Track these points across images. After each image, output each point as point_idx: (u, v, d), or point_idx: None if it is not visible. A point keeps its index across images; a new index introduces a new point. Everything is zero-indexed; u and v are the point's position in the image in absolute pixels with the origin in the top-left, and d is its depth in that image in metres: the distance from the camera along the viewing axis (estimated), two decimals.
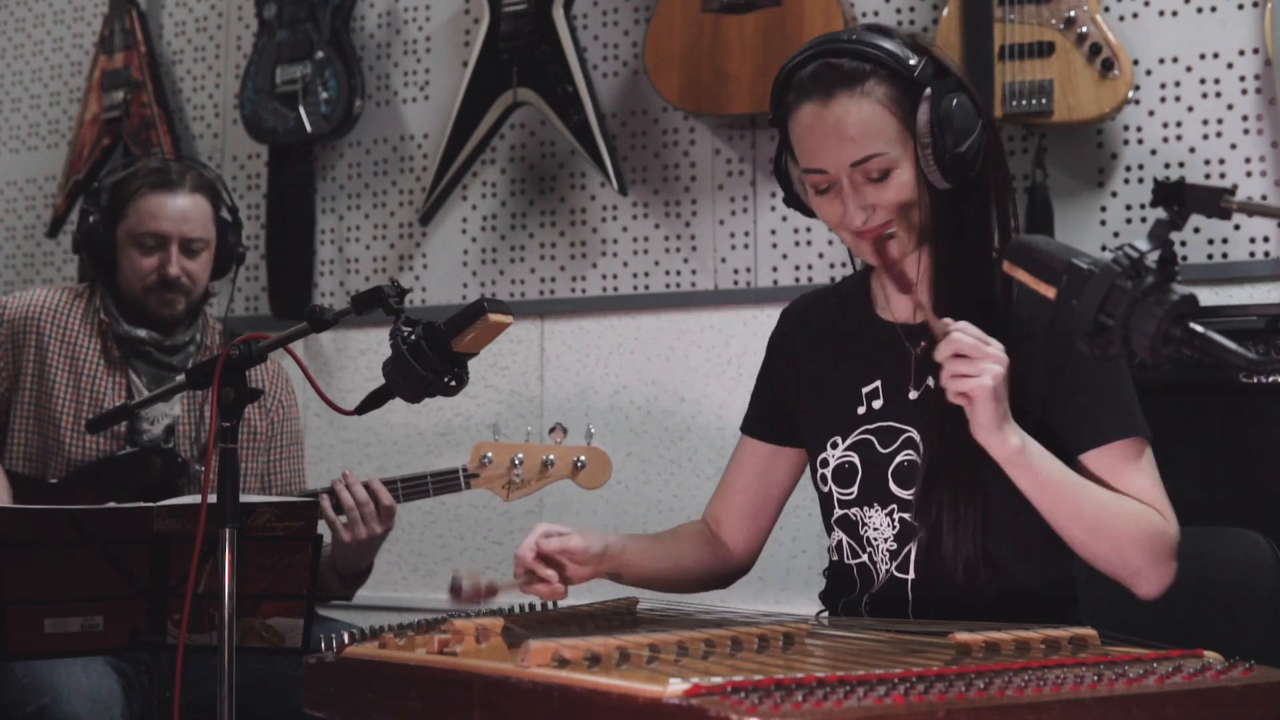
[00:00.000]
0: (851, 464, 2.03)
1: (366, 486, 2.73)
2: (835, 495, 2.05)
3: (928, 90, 1.92)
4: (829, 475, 2.06)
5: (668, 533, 2.26)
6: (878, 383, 2.04)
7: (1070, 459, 1.92)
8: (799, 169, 2.00)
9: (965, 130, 1.93)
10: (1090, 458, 1.92)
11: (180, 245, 2.90)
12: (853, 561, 2.05)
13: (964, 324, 1.76)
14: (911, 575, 1.98)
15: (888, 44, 1.95)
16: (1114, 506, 1.87)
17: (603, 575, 2.03)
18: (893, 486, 1.99)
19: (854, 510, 2.04)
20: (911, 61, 1.93)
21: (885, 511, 2.00)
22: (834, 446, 2.06)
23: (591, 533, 2.00)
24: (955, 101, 1.93)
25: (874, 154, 1.93)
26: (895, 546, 2.00)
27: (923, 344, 2.02)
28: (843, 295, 2.17)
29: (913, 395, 2.01)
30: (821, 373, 2.12)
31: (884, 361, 2.05)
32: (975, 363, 1.73)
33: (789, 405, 2.16)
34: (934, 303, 1.99)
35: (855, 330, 2.10)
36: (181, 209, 2.91)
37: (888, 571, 2.00)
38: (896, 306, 2.07)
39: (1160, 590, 1.89)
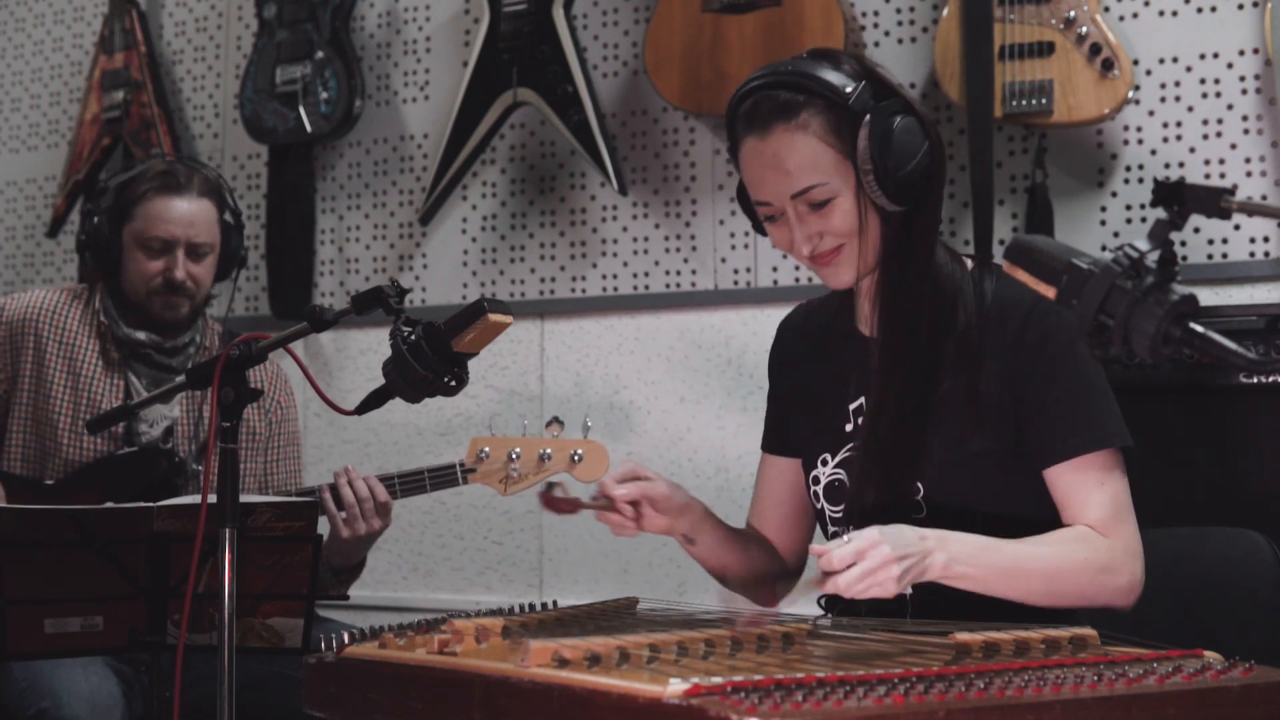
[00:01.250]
0: (841, 481, 2.04)
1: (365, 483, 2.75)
2: (827, 513, 2.07)
3: (866, 117, 1.93)
4: (820, 493, 2.07)
5: (739, 528, 2.25)
6: (861, 400, 2.05)
7: (1034, 476, 1.93)
8: (752, 201, 2.03)
9: (908, 152, 1.94)
10: (1052, 474, 1.93)
11: (186, 249, 2.90)
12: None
13: (831, 549, 1.71)
14: (909, 590, 1.98)
15: (826, 73, 1.95)
16: (1060, 567, 1.87)
17: (678, 533, 2.05)
18: None
19: (845, 530, 2.04)
20: (848, 89, 1.94)
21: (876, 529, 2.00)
22: (824, 463, 2.07)
23: (678, 487, 2.03)
24: (897, 123, 1.94)
25: (812, 185, 1.95)
26: None
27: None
28: (831, 310, 2.18)
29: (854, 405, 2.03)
30: (812, 388, 2.14)
31: (866, 376, 2.06)
32: (867, 582, 1.70)
33: (790, 419, 2.17)
34: (882, 322, 2.01)
35: (841, 345, 2.12)
36: (189, 213, 2.90)
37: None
38: (870, 319, 2.08)
39: (1133, 600, 1.90)
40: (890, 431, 1.95)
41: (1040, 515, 1.94)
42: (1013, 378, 1.94)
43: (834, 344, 2.13)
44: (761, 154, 1.97)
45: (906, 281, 1.99)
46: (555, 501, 1.98)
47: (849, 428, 2.05)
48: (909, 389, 1.97)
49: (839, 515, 2.04)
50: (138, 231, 2.90)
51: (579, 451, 2.85)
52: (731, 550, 2.14)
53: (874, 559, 1.70)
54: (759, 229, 2.10)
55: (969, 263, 2.06)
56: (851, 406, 2.06)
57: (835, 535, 2.06)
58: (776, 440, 2.22)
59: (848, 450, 2.04)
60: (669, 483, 2.02)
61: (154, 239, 2.89)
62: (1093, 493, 1.91)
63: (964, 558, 1.81)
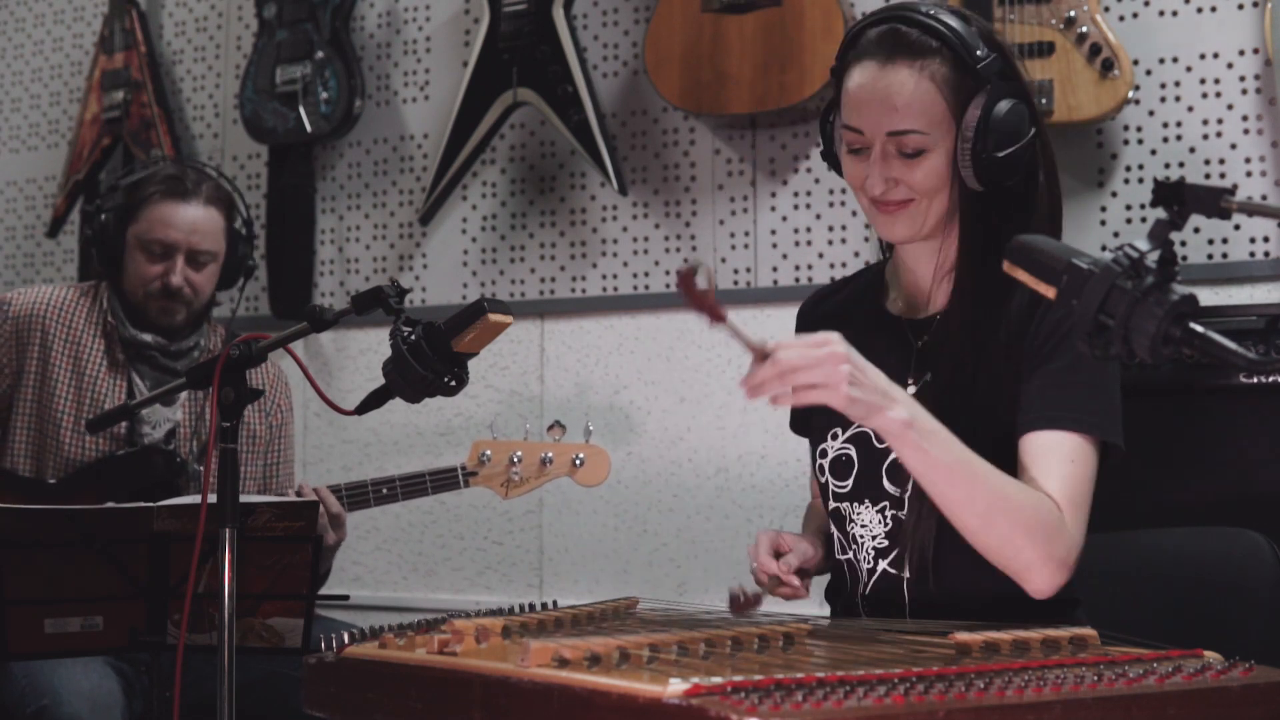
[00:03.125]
0: (848, 457, 2.03)
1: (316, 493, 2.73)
2: (831, 487, 2.05)
3: (987, 86, 1.91)
4: (826, 466, 2.06)
5: (815, 522, 2.21)
6: None
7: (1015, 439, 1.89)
8: (841, 122, 1.99)
9: (1011, 137, 1.92)
10: (1025, 440, 1.88)
11: (187, 256, 2.90)
12: (842, 558, 2.05)
13: (785, 341, 1.66)
14: (907, 574, 1.97)
15: (961, 28, 1.93)
16: (1011, 495, 1.79)
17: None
18: (886, 483, 1.98)
19: (845, 505, 2.03)
20: (979, 53, 1.91)
21: (877, 509, 1.99)
22: (834, 438, 2.05)
23: (801, 539, 2.02)
24: (1010, 106, 1.91)
25: (912, 130, 1.91)
26: (886, 544, 1.99)
27: (925, 338, 2.02)
28: (856, 287, 2.17)
29: (910, 389, 2.00)
30: None
31: (887, 355, 2.02)
32: (813, 370, 1.63)
33: None
34: (952, 297, 1.98)
35: (863, 323, 2.09)
36: (192, 220, 2.90)
37: (872, 570, 2.00)
38: (905, 301, 2.07)
39: (1051, 589, 1.81)
40: (947, 419, 1.91)
41: None
42: (1029, 354, 1.91)
43: (857, 322, 2.09)
44: (876, 81, 1.92)
45: (984, 266, 1.94)
46: (743, 605, 1.90)
47: None
48: (962, 369, 1.94)
49: (843, 490, 2.03)
50: (140, 233, 2.90)
51: (580, 455, 2.85)
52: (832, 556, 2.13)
53: (830, 350, 1.64)
54: (827, 156, 2.05)
55: None
56: None
57: (833, 512, 2.05)
58: (799, 422, 2.21)
59: (859, 426, 2.02)
60: (800, 538, 2.01)
61: (155, 242, 2.89)
62: (1058, 467, 1.85)
63: (928, 430, 1.74)
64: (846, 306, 2.15)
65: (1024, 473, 1.87)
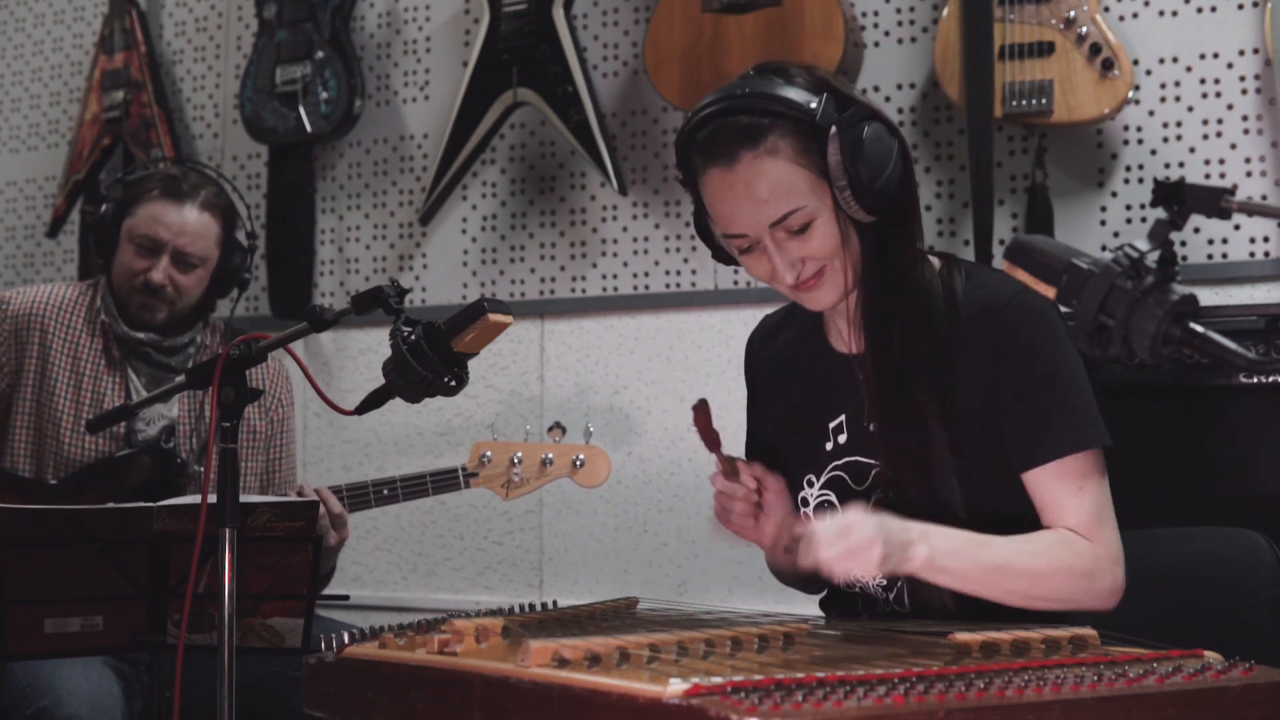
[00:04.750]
0: (830, 502, 2.01)
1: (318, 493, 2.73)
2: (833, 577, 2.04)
3: (833, 130, 1.85)
4: (811, 514, 2.03)
5: None
6: (842, 416, 2.01)
7: (1014, 476, 1.91)
8: (720, 232, 1.95)
9: (881, 160, 1.87)
10: (1030, 477, 1.90)
11: (173, 256, 2.90)
12: (846, 589, 2.05)
13: (822, 527, 1.74)
14: (908, 608, 1.97)
15: (784, 90, 1.87)
16: (1042, 569, 1.85)
17: (782, 543, 2.01)
18: None
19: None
20: (811, 105, 1.86)
21: None
22: (810, 485, 2.04)
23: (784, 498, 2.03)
24: (865, 132, 1.86)
25: (790, 210, 1.87)
26: (885, 581, 1.98)
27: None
28: (800, 324, 2.12)
29: (871, 428, 1.98)
30: (792, 405, 2.09)
31: (844, 394, 2.01)
32: (851, 560, 1.73)
33: (771, 436, 2.15)
34: (870, 339, 1.95)
35: (811, 364, 2.07)
36: (183, 222, 2.90)
37: (885, 600, 2.00)
38: (847, 338, 2.03)
39: (1113, 604, 1.88)
40: (902, 445, 1.92)
41: (1027, 513, 1.91)
42: (991, 380, 1.89)
43: (807, 363, 2.08)
44: (731, 185, 1.87)
45: (889, 294, 1.93)
46: (704, 422, 1.94)
47: (829, 446, 2.01)
48: (907, 402, 1.91)
49: (844, 580, 2.02)
50: (131, 227, 2.91)
51: (581, 456, 2.85)
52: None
53: (858, 536, 1.72)
54: (721, 258, 2.01)
55: (935, 261, 1.99)
56: (831, 424, 2.02)
57: None
58: (756, 452, 2.17)
59: (831, 470, 2.01)
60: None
61: (143, 237, 2.89)
62: (1072, 496, 1.88)
63: (947, 553, 1.79)
64: (793, 347, 2.12)
65: (1042, 513, 1.90)
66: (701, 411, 1.92)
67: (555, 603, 1.96)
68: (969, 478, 1.91)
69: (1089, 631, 1.64)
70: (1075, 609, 1.87)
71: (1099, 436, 1.89)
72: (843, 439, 2.01)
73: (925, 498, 1.89)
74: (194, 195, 2.92)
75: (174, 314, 2.93)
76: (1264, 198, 3.06)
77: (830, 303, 1.96)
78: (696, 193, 1.95)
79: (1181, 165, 3.14)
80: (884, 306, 1.94)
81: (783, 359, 2.13)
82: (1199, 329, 1.34)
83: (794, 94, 1.87)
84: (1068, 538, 1.87)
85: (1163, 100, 3.16)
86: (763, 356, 2.17)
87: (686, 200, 3.59)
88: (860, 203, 1.87)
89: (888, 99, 3.39)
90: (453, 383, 2.00)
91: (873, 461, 1.97)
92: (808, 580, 2.11)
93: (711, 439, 1.96)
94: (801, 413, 2.07)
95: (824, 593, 2.14)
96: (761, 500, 2.00)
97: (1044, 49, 3.04)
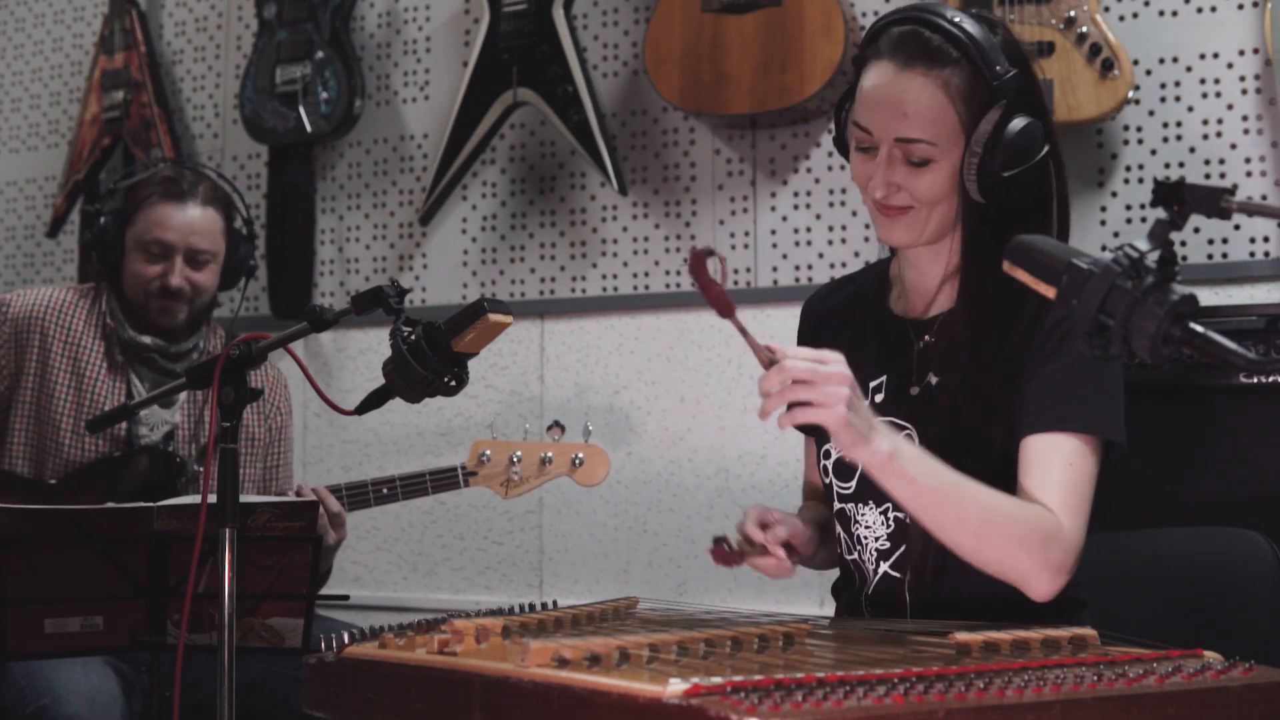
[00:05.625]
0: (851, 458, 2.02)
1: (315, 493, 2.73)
2: (835, 488, 2.04)
3: (1002, 102, 1.88)
4: (830, 467, 2.05)
5: (810, 512, 2.17)
6: (884, 377, 2.02)
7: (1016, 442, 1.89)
8: (853, 117, 1.97)
9: (1022, 156, 1.89)
10: (1025, 443, 1.88)
11: (185, 256, 2.91)
12: (849, 558, 2.05)
13: (795, 350, 1.69)
14: (907, 576, 1.97)
15: (986, 39, 1.89)
16: (1001, 509, 1.80)
17: (803, 559, 1.99)
18: None
19: (849, 506, 2.03)
20: (999, 67, 1.88)
21: (880, 510, 1.99)
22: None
23: (792, 516, 1.99)
24: (1023, 125, 1.88)
25: (920, 139, 1.89)
26: (888, 546, 1.99)
27: (927, 338, 2.01)
28: (860, 285, 2.15)
29: (914, 391, 1.99)
30: None
31: (891, 356, 2.02)
32: (816, 388, 1.64)
33: None
34: (958, 302, 1.96)
35: (867, 322, 2.09)
36: (189, 220, 2.91)
37: (878, 571, 2.00)
38: (908, 301, 2.06)
39: (1052, 593, 1.82)
40: (956, 418, 1.90)
41: None
42: (1027, 353, 1.90)
43: (859, 321, 2.09)
44: (891, 83, 1.89)
45: (992, 273, 1.91)
46: (725, 556, 1.90)
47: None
48: (965, 372, 1.92)
49: (847, 492, 2.02)
50: (138, 235, 2.90)
51: (580, 455, 2.85)
52: (828, 548, 2.11)
53: (832, 369, 1.66)
54: (838, 143, 2.03)
55: None
56: (872, 384, 2.02)
57: (838, 513, 2.05)
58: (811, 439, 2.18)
59: None
60: (791, 515, 1.98)
61: (153, 243, 2.89)
62: (1056, 470, 1.85)
63: (910, 457, 1.75)
64: (849, 305, 2.14)
65: (1023, 476, 1.87)
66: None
67: (555, 603, 1.96)
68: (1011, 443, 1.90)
69: (1089, 631, 1.64)
70: (1019, 572, 1.81)
71: (1109, 429, 1.89)
72: (880, 399, 2.01)
73: (970, 458, 1.85)
74: (194, 193, 2.92)
75: (193, 311, 2.95)
76: (1264, 198, 3.06)
77: (899, 240, 1.97)
78: (857, 76, 1.96)
79: (1181, 165, 3.14)
80: (979, 281, 1.93)
81: (835, 316, 2.14)
82: (1199, 329, 1.34)
83: (994, 52, 1.89)
84: (1035, 505, 1.83)
85: (1163, 100, 3.16)
86: (818, 313, 2.18)
87: (687, 200, 3.59)
88: (980, 178, 1.89)
89: None
90: (453, 383, 2.00)
91: (905, 423, 1.96)
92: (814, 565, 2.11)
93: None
94: None
95: (831, 567, 2.14)
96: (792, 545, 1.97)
97: (1044, 49, 3.04)
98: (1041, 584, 1.81)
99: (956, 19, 1.91)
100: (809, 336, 2.17)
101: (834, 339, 2.11)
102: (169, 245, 2.89)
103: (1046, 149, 1.93)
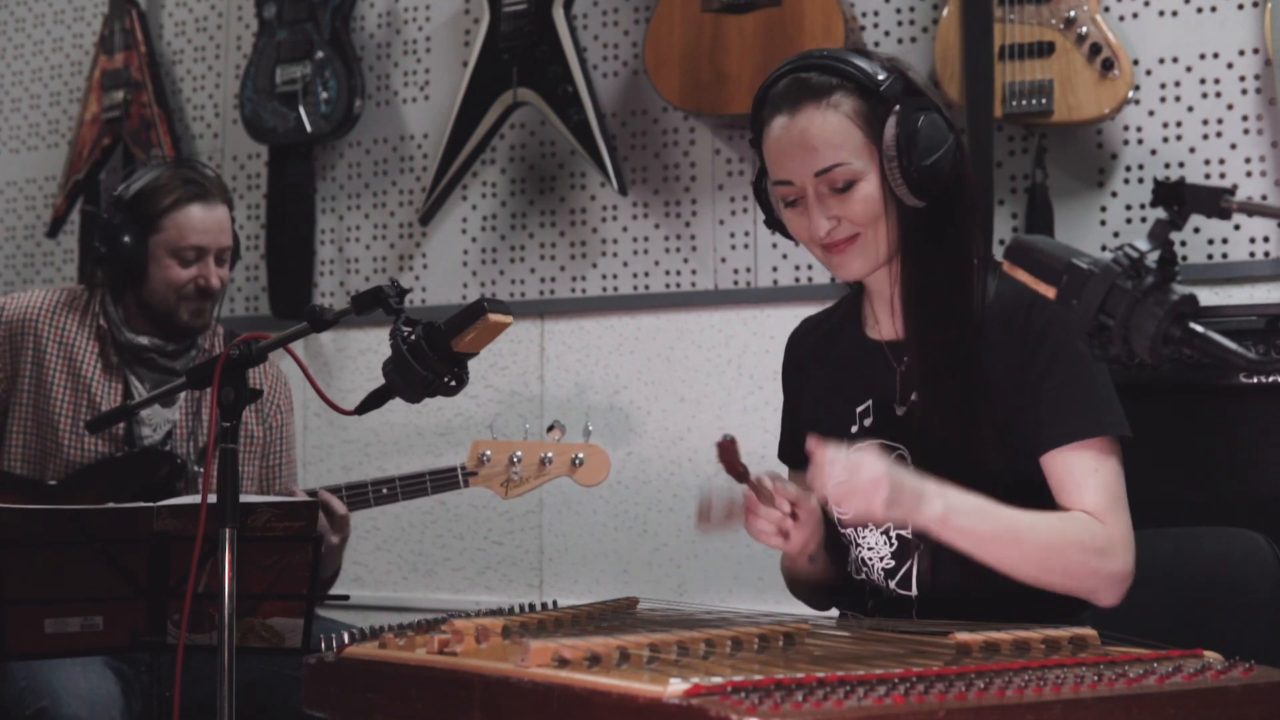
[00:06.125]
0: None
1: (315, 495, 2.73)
2: (835, 513, 2.05)
3: (896, 106, 1.93)
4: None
5: None
6: (869, 401, 2.05)
7: (1033, 458, 1.93)
8: (770, 182, 2.02)
9: (932, 146, 1.93)
10: (1048, 459, 1.93)
11: (215, 255, 2.92)
12: (857, 578, 2.06)
13: (830, 465, 1.77)
14: (914, 592, 1.98)
15: (859, 61, 1.96)
16: (1055, 536, 1.87)
17: (808, 551, 1.98)
18: None
19: (850, 531, 2.05)
20: (880, 77, 1.95)
21: (881, 530, 2.01)
22: None
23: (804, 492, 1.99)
24: (923, 119, 1.93)
25: (837, 164, 1.94)
26: (893, 564, 2.00)
27: (906, 359, 2.02)
28: (836, 317, 2.18)
29: (899, 412, 2.02)
30: (820, 395, 2.13)
31: (873, 381, 2.05)
32: (855, 499, 1.76)
33: (800, 428, 2.16)
34: (905, 320, 2.00)
35: (847, 351, 2.11)
36: (218, 221, 2.92)
37: (888, 588, 2.01)
38: (883, 325, 2.08)
39: (1120, 598, 1.89)
40: (941, 432, 1.94)
41: (1046, 504, 1.93)
42: (1019, 366, 1.93)
43: (840, 348, 2.12)
44: (789, 131, 1.95)
45: (932, 278, 1.98)
46: (732, 456, 1.89)
47: (854, 429, 2.04)
48: (946, 389, 1.95)
49: (846, 516, 2.03)
50: (170, 241, 2.88)
51: (580, 455, 2.85)
52: (830, 556, 2.10)
53: (867, 474, 1.75)
54: (772, 224, 2.07)
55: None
56: (858, 409, 2.05)
57: (845, 535, 2.06)
58: (789, 452, 2.21)
59: (854, 452, 2.02)
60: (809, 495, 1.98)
61: (189, 248, 2.88)
62: (1088, 478, 1.90)
63: (963, 511, 1.82)
64: (828, 338, 2.17)
65: (1058, 493, 1.92)
66: (728, 449, 1.85)
67: (555, 603, 1.95)
68: (1005, 451, 1.94)
69: (1089, 631, 1.64)
70: (1085, 589, 1.89)
71: (1118, 425, 1.93)
72: (869, 422, 2.04)
73: (964, 470, 1.89)
74: (213, 192, 2.93)
75: (215, 309, 2.96)
76: (1264, 198, 3.06)
77: (856, 272, 2.01)
78: (760, 150, 2.02)
79: (1181, 165, 3.14)
80: (926, 290, 1.98)
81: (818, 349, 2.18)
82: (1199, 329, 1.34)
83: (867, 65, 1.96)
84: (1081, 517, 1.89)
85: (1163, 100, 3.16)
86: (800, 349, 2.22)
87: (687, 200, 3.59)
88: (906, 180, 1.93)
89: None
90: (453, 383, 2.00)
91: (898, 445, 1.99)
92: (819, 592, 2.14)
93: (739, 472, 1.89)
94: (829, 397, 2.10)
95: (830, 609, 2.15)
96: (795, 514, 1.97)
97: (1044, 49, 3.04)
98: (1109, 596, 1.89)
99: (823, 53, 1.99)
100: (793, 370, 2.22)
101: (813, 367, 2.17)
102: (203, 248, 2.90)
103: (951, 135, 1.97)
